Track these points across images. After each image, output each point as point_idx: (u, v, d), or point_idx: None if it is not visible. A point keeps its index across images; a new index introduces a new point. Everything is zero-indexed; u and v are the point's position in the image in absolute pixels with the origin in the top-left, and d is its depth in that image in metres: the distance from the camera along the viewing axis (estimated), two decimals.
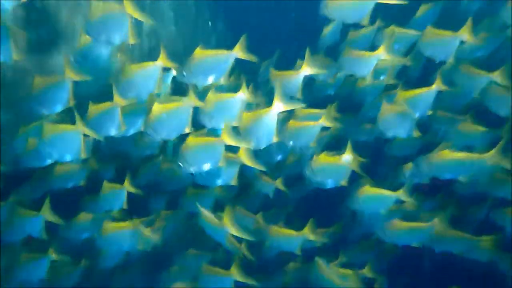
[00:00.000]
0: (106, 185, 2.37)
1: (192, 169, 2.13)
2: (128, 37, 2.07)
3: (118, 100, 2.13)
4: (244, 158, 2.16)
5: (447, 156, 2.26)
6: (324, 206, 2.96)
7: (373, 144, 2.91)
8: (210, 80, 2.22)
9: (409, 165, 2.58)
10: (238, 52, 2.17)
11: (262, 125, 2.07)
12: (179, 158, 2.13)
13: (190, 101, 2.09)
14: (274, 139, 2.09)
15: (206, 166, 2.12)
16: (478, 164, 2.23)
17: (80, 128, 2.02)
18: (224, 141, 2.06)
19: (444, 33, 2.47)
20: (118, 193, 2.35)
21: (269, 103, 2.06)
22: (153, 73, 2.13)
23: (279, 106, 2.02)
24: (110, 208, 2.38)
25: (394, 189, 2.45)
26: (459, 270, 2.75)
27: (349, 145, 2.30)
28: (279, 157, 2.61)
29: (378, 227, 2.45)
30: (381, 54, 2.49)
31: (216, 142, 2.10)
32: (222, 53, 2.19)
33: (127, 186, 2.36)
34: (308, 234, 2.39)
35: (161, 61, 2.12)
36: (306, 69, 2.35)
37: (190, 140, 2.12)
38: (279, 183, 2.65)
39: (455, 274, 2.74)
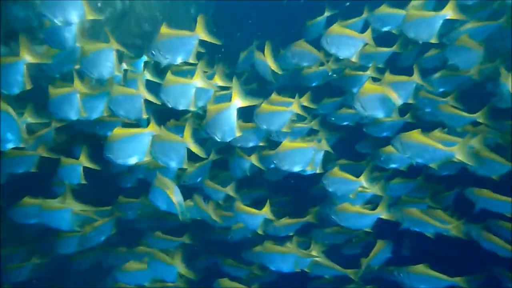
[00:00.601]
0: (63, 160, 2.35)
1: (119, 161, 2.10)
2: (85, 15, 2.00)
3: (78, 85, 2.12)
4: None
5: (418, 139, 2.21)
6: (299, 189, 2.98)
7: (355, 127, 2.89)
8: (179, 60, 2.21)
9: (387, 148, 2.52)
10: (201, 33, 2.15)
11: (223, 120, 2.12)
12: (106, 150, 2.10)
13: (150, 130, 2.09)
14: (237, 134, 2.14)
15: (133, 160, 2.09)
16: (445, 155, 2.18)
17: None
18: (152, 132, 2.06)
19: (426, 13, 2.34)
20: (75, 167, 2.32)
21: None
22: (107, 55, 2.10)
23: (237, 102, 2.08)
24: (68, 181, 2.35)
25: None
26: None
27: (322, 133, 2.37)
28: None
29: (331, 210, 2.47)
30: (366, 37, 2.42)
31: (143, 133, 2.08)
32: (185, 33, 2.18)
33: (83, 161, 2.33)
34: (267, 213, 2.41)
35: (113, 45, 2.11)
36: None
37: (117, 131, 2.10)
38: (254, 159, 2.62)
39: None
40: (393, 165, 2.55)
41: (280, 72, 2.60)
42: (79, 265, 2.90)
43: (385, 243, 2.60)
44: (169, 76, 2.23)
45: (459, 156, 2.14)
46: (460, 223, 2.40)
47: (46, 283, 2.90)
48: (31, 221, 2.35)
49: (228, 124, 2.12)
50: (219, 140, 2.19)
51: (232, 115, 2.10)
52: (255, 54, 2.62)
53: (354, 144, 3.07)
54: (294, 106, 2.35)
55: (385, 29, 2.57)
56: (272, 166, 2.51)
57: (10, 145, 1.96)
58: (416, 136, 2.21)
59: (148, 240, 2.72)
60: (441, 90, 2.62)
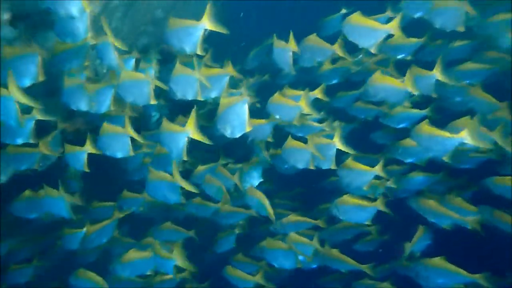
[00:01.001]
0: (67, 147, 2.30)
1: None
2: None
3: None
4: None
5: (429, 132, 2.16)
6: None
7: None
8: (187, 49, 2.17)
9: (405, 141, 2.47)
10: (206, 22, 2.09)
11: (234, 114, 2.11)
12: None
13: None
14: (247, 129, 2.13)
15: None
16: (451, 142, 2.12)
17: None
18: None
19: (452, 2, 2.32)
20: (79, 154, 2.26)
21: None
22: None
23: (247, 97, 2.10)
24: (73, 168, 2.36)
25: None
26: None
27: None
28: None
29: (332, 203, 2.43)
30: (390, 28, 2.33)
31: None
32: (191, 23, 2.13)
33: (89, 148, 2.26)
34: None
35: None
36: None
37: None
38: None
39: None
40: (410, 160, 2.48)
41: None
42: (85, 258, 2.81)
43: (425, 229, 2.50)
44: (178, 66, 2.19)
45: (469, 140, 2.07)
46: (478, 218, 2.32)
47: (50, 277, 2.83)
48: (31, 215, 2.32)
49: (239, 119, 2.10)
50: (228, 136, 2.16)
51: (244, 110, 2.08)
52: (274, 43, 2.54)
53: (368, 137, 3.01)
54: (303, 101, 2.33)
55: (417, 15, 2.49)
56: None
57: (19, 141, 2.02)
58: (424, 127, 2.17)
59: (155, 231, 2.67)
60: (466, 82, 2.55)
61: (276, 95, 2.40)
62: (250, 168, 2.85)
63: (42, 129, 2.19)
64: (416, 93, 2.27)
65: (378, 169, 2.30)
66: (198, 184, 2.60)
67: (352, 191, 2.40)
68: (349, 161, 2.36)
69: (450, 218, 2.35)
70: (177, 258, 2.33)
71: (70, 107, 2.23)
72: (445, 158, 2.18)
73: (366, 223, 2.38)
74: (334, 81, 2.90)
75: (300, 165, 2.38)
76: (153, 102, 2.16)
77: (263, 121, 2.44)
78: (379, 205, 2.32)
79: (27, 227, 2.67)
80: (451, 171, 2.66)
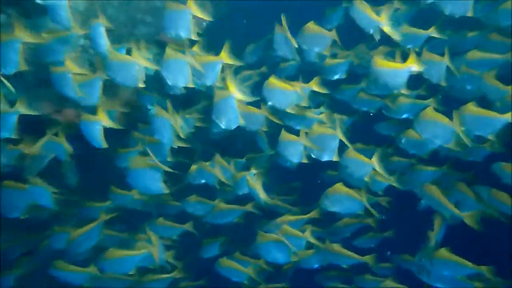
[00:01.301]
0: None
1: None
2: None
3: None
4: None
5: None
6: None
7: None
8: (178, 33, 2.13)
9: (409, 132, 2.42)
10: (192, 7, 2.08)
11: (228, 106, 2.10)
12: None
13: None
14: (241, 122, 2.13)
15: None
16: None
17: None
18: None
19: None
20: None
21: None
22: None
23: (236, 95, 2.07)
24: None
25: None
26: None
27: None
28: None
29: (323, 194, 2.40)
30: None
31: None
32: (179, 6, 2.10)
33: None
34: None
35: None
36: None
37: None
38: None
39: None
40: (414, 151, 2.42)
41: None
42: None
43: (442, 219, 2.41)
44: (168, 50, 2.12)
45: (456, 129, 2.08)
46: (475, 213, 2.23)
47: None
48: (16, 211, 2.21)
49: (234, 111, 2.09)
50: (223, 127, 2.14)
51: (234, 103, 2.08)
52: (276, 29, 2.46)
53: (369, 130, 2.92)
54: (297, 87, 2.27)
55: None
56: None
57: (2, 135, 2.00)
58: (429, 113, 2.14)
59: (150, 226, 2.56)
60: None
61: (271, 79, 2.30)
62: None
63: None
64: (421, 69, 2.15)
65: (374, 161, 2.24)
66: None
67: (353, 182, 2.34)
68: (350, 151, 2.30)
69: (451, 211, 2.28)
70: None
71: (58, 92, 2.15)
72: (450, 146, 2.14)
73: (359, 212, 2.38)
74: (336, 76, 2.80)
75: (294, 159, 2.32)
76: (141, 85, 2.08)
77: (255, 109, 2.36)
78: (363, 199, 2.32)
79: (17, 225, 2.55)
80: (457, 165, 2.59)
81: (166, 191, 2.19)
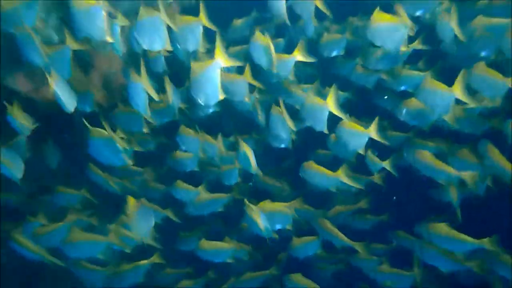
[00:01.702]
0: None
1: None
2: None
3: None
4: None
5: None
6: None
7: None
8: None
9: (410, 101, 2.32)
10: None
11: (205, 81, 1.94)
12: None
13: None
14: (220, 96, 1.95)
15: None
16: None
17: None
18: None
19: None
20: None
21: None
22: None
23: (220, 61, 1.89)
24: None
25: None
26: None
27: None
28: None
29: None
30: None
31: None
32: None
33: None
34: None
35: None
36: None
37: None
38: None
39: None
40: (415, 122, 2.32)
41: None
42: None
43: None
44: (142, 10, 1.95)
45: (458, 95, 2.02)
46: (476, 173, 2.15)
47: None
48: None
49: (211, 86, 1.92)
50: (202, 103, 2.03)
51: (216, 76, 1.90)
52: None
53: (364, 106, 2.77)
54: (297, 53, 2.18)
55: None
56: None
57: None
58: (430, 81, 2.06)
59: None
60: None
61: (257, 34, 2.16)
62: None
63: None
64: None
65: (371, 131, 2.13)
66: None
67: (347, 155, 2.25)
68: (345, 122, 2.18)
69: (446, 173, 2.18)
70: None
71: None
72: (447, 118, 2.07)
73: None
74: (335, 53, 2.65)
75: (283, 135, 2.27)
76: (109, 39, 1.90)
77: (237, 76, 2.21)
78: (342, 176, 2.30)
79: None
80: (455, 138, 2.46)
81: (128, 162, 2.04)
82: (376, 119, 2.15)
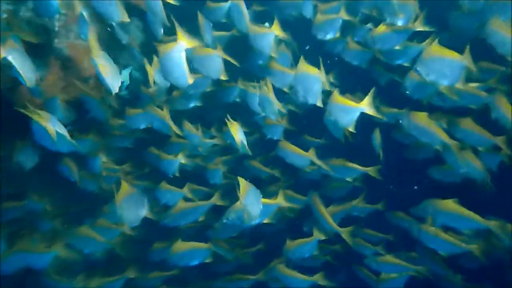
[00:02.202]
0: None
1: None
2: None
3: None
4: None
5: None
6: None
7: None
8: None
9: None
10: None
11: (172, 64, 1.86)
12: None
13: None
14: (189, 81, 1.88)
15: None
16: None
17: None
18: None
19: None
20: None
21: None
22: None
23: (182, 43, 1.83)
24: None
25: None
26: None
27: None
28: None
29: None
30: None
31: None
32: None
33: None
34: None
35: None
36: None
37: None
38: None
39: None
40: (419, 95, 2.21)
41: None
42: None
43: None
44: None
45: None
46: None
47: None
48: None
49: (178, 68, 1.85)
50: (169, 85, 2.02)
51: (180, 58, 1.83)
52: None
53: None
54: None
55: None
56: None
57: None
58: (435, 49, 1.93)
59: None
60: None
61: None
62: None
63: None
64: None
65: (365, 104, 1.97)
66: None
67: (337, 131, 2.14)
68: (335, 96, 2.02)
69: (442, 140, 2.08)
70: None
71: None
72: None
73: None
74: (329, 36, 2.49)
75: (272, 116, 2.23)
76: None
77: (211, 50, 2.09)
78: (312, 156, 2.35)
79: None
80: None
81: (76, 147, 1.84)
82: (372, 92, 1.98)
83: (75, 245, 2.18)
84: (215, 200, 2.33)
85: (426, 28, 2.12)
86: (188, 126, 2.41)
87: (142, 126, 2.38)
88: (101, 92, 2.33)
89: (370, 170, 2.45)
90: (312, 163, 2.40)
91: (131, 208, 1.94)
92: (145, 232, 2.24)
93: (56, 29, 2.22)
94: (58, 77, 2.23)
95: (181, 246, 2.27)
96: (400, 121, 2.24)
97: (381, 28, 2.21)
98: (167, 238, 2.45)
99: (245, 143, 2.10)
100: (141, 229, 2.15)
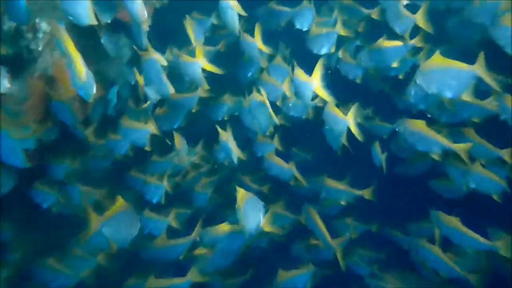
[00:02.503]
0: None
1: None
2: None
3: None
4: None
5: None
6: None
7: None
8: None
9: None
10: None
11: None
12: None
13: None
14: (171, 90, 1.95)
15: None
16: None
17: None
18: None
19: None
20: None
21: None
22: None
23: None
24: None
25: None
26: None
27: None
28: None
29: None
30: None
31: None
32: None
33: None
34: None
35: None
36: None
37: None
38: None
39: None
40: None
41: None
42: None
43: None
44: None
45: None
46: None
47: None
48: None
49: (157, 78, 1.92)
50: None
51: (157, 69, 1.92)
52: None
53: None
54: None
55: None
56: None
57: None
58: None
59: None
60: None
61: None
62: None
63: None
64: None
65: (349, 118, 1.90)
66: None
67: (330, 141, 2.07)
68: (329, 105, 1.97)
69: (441, 145, 1.96)
70: None
71: None
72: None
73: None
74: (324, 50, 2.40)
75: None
76: None
77: (190, 58, 2.07)
78: (293, 168, 2.36)
79: None
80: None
81: (26, 165, 1.75)
82: (355, 105, 1.92)
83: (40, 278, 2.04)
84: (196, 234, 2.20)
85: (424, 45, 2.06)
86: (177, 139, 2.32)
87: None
88: (85, 113, 2.29)
89: (365, 193, 2.36)
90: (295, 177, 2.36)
91: (123, 226, 1.82)
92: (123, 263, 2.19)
93: (40, 48, 2.17)
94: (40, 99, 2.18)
95: (155, 283, 2.14)
96: (397, 129, 2.12)
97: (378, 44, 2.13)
98: (145, 269, 2.28)
99: (237, 153, 2.06)
100: (118, 259, 2.11)
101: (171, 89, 1.92)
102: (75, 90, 1.64)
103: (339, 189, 2.38)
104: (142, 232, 2.24)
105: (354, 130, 1.90)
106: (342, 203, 2.40)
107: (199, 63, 2.04)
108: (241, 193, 1.79)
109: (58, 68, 2.19)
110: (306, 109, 2.21)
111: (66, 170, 2.22)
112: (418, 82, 1.88)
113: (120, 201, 1.80)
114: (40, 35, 2.10)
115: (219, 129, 2.12)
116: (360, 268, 2.56)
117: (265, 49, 2.22)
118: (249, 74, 2.36)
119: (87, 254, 2.11)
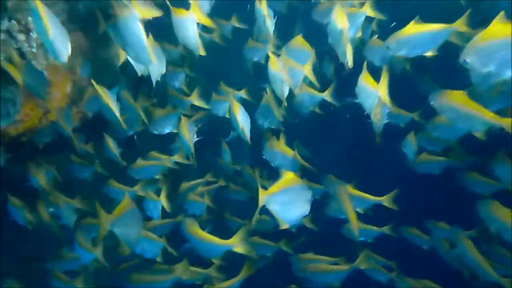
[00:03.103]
0: None
1: None
2: None
3: None
4: None
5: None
6: None
7: None
8: None
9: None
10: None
11: (128, 33, 1.55)
12: None
13: None
14: (153, 60, 1.61)
15: None
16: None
17: None
18: None
19: None
20: None
21: None
22: None
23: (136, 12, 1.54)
24: None
25: None
26: None
27: None
28: None
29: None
30: None
31: None
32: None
33: None
34: None
35: None
36: None
37: None
38: None
39: None
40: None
41: None
42: None
43: None
44: None
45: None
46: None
47: None
48: None
49: (137, 40, 1.55)
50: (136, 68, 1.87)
51: (138, 29, 1.55)
52: None
53: None
54: None
55: None
56: None
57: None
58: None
59: None
60: None
61: None
62: None
63: None
64: None
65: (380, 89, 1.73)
66: None
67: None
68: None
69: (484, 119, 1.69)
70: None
71: None
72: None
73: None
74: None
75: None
76: None
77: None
78: (297, 157, 2.16)
79: None
80: None
81: None
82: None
83: None
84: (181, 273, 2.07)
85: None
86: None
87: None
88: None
89: (385, 200, 2.16)
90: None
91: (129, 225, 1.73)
92: None
93: (34, 50, 2.04)
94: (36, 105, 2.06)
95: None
96: (431, 102, 1.82)
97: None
98: None
99: (247, 129, 1.93)
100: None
101: (153, 59, 1.61)
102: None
103: (355, 196, 2.12)
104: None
105: (386, 99, 1.68)
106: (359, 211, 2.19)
107: (194, 17, 1.72)
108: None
109: (53, 71, 2.09)
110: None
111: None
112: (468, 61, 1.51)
113: (127, 199, 1.70)
114: (34, 35, 1.98)
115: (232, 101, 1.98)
116: (380, 274, 2.41)
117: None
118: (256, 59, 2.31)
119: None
